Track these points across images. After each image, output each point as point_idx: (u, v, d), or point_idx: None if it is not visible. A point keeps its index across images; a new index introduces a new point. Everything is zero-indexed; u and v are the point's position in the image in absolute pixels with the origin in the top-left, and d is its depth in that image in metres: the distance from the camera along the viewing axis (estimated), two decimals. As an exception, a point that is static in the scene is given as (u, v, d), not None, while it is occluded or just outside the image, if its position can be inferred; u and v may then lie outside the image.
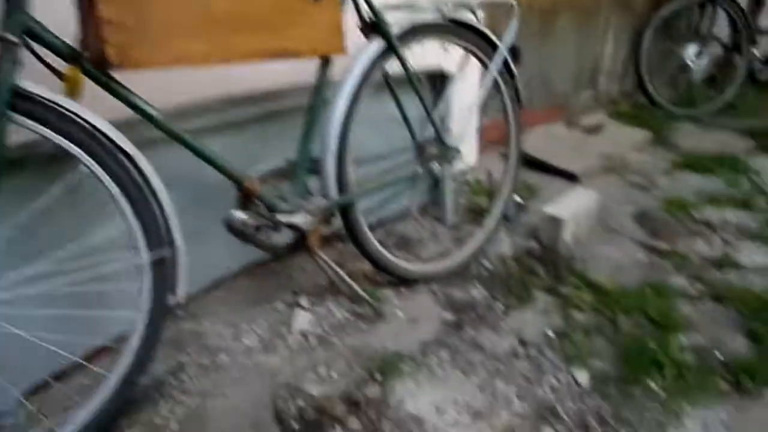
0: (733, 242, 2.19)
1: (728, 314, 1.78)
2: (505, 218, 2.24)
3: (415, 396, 1.44)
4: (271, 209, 1.49)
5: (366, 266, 1.90)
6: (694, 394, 1.46)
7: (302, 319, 1.68)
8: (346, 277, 1.76)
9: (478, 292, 1.86)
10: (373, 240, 1.74)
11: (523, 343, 1.64)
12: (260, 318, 1.71)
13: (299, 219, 1.50)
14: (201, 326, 1.67)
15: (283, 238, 1.55)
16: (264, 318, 1.71)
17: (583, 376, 1.52)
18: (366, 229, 1.71)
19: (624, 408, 1.43)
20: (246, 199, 1.46)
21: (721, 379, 1.52)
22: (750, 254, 2.11)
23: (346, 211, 1.65)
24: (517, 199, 2.37)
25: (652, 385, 1.49)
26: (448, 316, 1.75)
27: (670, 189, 2.61)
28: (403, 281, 1.87)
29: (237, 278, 1.88)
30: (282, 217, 1.47)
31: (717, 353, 1.60)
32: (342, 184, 1.60)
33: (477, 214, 2.26)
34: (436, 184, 2.24)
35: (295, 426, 1.35)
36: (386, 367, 1.52)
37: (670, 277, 1.97)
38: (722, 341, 1.66)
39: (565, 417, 1.41)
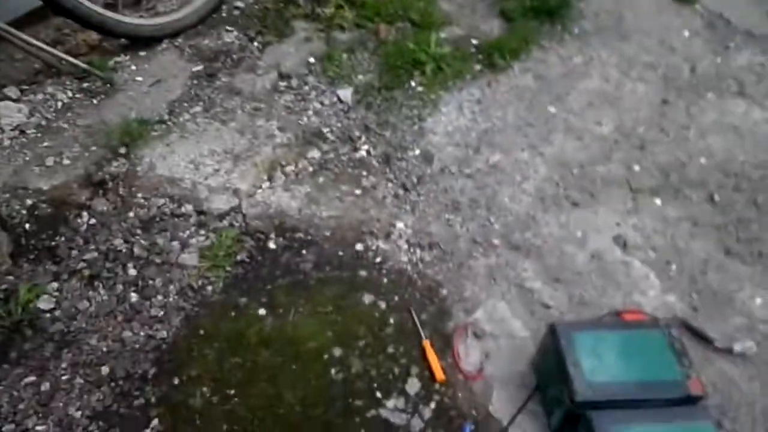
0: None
1: (485, 1, 1.75)
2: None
3: (166, 158, 1.29)
4: None
5: (91, 36, 1.56)
6: (450, 82, 1.46)
7: (13, 113, 1.37)
8: (59, 52, 1.42)
9: (230, 36, 1.62)
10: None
11: (283, 76, 1.50)
12: (-43, 126, 1.36)
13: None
14: None
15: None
16: (-38, 125, 1.36)
17: (346, 94, 1.45)
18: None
19: (387, 113, 1.40)
20: None
21: (476, 62, 1.53)
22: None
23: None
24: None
25: (413, 84, 1.47)
26: (199, 68, 1.52)
27: None
28: (139, 42, 1.56)
29: None
30: None
31: (473, 40, 1.60)
32: None
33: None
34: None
35: (29, 227, 1.16)
36: (129, 137, 1.31)
37: (431, -24, 1.86)
38: (478, 28, 1.64)
39: (330, 136, 1.35)
